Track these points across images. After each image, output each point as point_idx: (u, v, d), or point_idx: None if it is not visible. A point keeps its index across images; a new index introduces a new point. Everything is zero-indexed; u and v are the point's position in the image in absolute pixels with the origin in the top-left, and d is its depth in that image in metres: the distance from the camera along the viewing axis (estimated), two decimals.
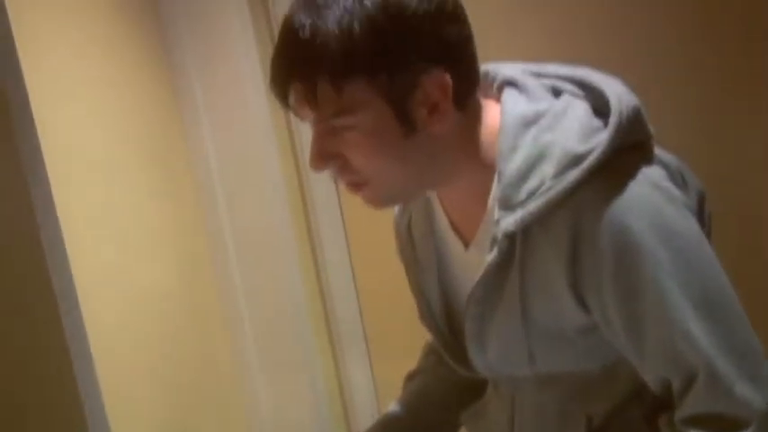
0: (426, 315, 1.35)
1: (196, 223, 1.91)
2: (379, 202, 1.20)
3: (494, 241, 1.13)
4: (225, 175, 1.92)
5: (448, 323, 1.33)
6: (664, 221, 1.06)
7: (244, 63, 1.90)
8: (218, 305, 1.94)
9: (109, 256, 1.47)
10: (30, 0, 1.29)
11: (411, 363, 1.55)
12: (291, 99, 1.12)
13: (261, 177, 1.92)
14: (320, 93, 1.08)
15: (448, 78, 1.09)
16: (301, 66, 1.09)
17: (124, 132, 1.60)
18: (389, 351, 2.06)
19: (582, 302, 1.10)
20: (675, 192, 1.10)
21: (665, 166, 1.13)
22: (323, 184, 2.02)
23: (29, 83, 1.11)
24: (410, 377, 1.52)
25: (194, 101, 1.91)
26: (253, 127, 1.91)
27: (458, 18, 1.12)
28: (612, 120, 1.08)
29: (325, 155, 1.14)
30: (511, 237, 1.11)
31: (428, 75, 1.08)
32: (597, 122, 1.11)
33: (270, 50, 1.91)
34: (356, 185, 1.17)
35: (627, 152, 1.09)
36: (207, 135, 1.91)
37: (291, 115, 1.95)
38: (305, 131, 2.01)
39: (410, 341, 1.56)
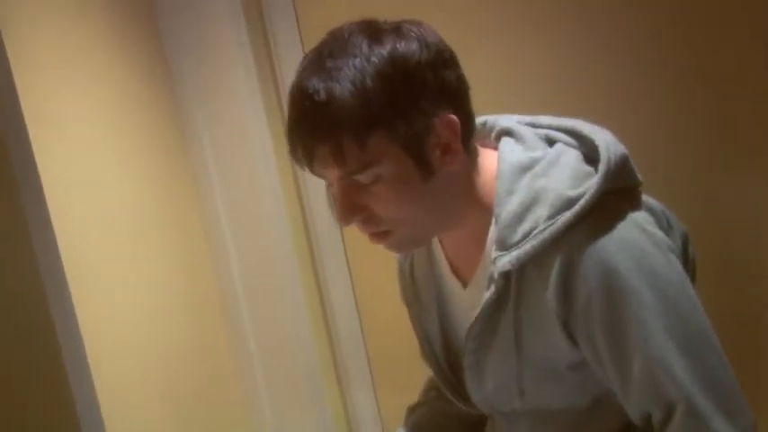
0: (427, 352, 1.41)
1: (204, 265, 1.93)
2: (403, 247, 1.27)
3: (491, 279, 1.19)
4: (232, 216, 1.95)
5: (447, 360, 1.39)
6: (649, 264, 1.12)
7: (250, 111, 1.94)
8: (227, 341, 1.97)
9: (116, 307, 1.44)
10: (32, 46, 1.28)
11: (415, 394, 1.59)
12: (316, 161, 1.15)
13: (266, 218, 1.95)
14: (346, 151, 1.12)
15: (455, 119, 1.17)
16: (325, 128, 1.12)
17: (132, 180, 1.60)
18: (394, 384, 2.10)
19: (572, 338, 1.16)
20: (660, 235, 1.16)
21: (651, 211, 1.21)
22: (326, 226, 2.06)
23: (31, 132, 1.10)
24: (411, 410, 1.56)
25: (202, 150, 1.94)
26: (258, 172, 1.95)
27: (455, 64, 1.20)
28: (602, 166, 1.15)
29: (352, 209, 1.18)
30: (506, 275, 1.18)
31: (439, 118, 1.15)
32: (588, 168, 1.18)
33: (274, 102, 1.97)
34: (381, 235, 1.21)
35: (615, 196, 1.16)
36: (215, 181, 1.95)
37: (300, 172, 2.00)
38: (310, 175, 2.06)
39: (414, 374, 1.59)
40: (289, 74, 2.00)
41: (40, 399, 1.09)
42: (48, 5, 1.39)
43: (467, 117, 1.20)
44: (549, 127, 1.27)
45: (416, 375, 1.58)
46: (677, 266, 1.15)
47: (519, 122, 1.28)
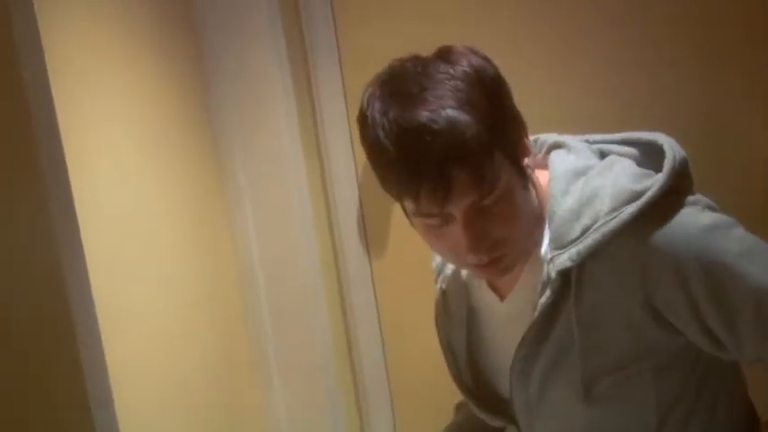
0: (450, 364, 1.40)
1: (229, 278, 1.93)
2: (510, 267, 1.21)
3: (546, 283, 1.18)
4: (261, 232, 1.96)
5: (472, 372, 1.37)
6: (725, 227, 1.15)
7: (284, 130, 1.95)
8: (248, 356, 1.96)
9: (142, 335, 1.42)
10: (71, 57, 1.27)
11: (433, 418, 1.59)
12: (455, 190, 1.09)
13: (295, 237, 1.96)
14: (484, 170, 1.09)
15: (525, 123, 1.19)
16: (460, 153, 1.08)
17: (162, 193, 1.59)
18: (414, 411, 2.10)
19: (659, 317, 1.15)
20: (727, 217, 1.18)
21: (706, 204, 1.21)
22: (354, 248, 2.07)
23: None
24: (457, 408, 1.55)
25: (235, 167, 1.95)
26: (289, 191, 1.96)
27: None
28: (668, 162, 1.17)
29: (483, 237, 1.14)
30: (565, 273, 1.16)
31: (521, 124, 1.18)
32: (646, 170, 1.19)
33: (309, 122, 1.98)
34: (496, 261, 1.17)
35: (675, 195, 1.16)
36: (246, 198, 1.96)
37: (328, 178, 2.02)
38: (339, 196, 2.07)
39: (435, 402, 1.61)
40: (327, 99, 2.04)
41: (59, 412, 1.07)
42: (88, 16, 1.40)
43: None
44: (603, 141, 1.28)
45: (438, 401, 1.58)
46: (741, 227, 1.17)
47: (573, 138, 1.29)
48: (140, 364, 1.36)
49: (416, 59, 1.16)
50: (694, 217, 1.14)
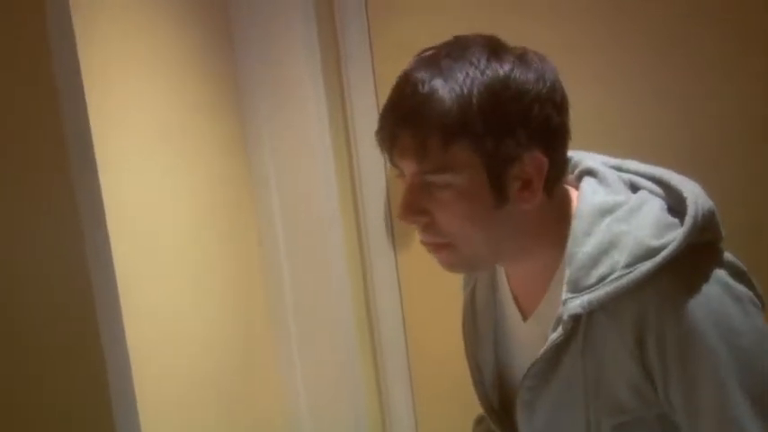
0: (477, 380, 1.39)
1: (255, 278, 1.92)
2: (457, 266, 1.24)
3: (558, 321, 1.17)
4: (288, 235, 1.95)
5: (498, 390, 1.36)
6: (728, 320, 1.10)
7: (314, 124, 1.93)
8: (272, 350, 1.97)
9: (166, 323, 1.42)
10: (103, 51, 1.27)
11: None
12: (397, 149, 1.16)
13: (322, 237, 1.95)
14: (429, 147, 1.12)
15: (545, 160, 1.14)
16: (415, 116, 1.12)
17: (188, 181, 1.59)
18: (437, 410, 2.09)
19: (650, 379, 1.13)
20: (742, 288, 1.13)
21: (735, 267, 1.16)
22: (381, 248, 2.06)
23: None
24: (477, 422, 1.53)
25: (263, 160, 1.94)
26: (318, 188, 1.95)
27: (563, 110, 1.18)
28: (688, 219, 1.12)
29: (415, 208, 1.17)
30: (576, 318, 1.15)
31: (529, 152, 1.13)
32: (672, 219, 1.15)
33: (339, 118, 1.97)
34: (437, 247, 1.20)
35: (697, 250, 1.13)
36: (274, 196, 1.94)
37: (356, 170, 2.00)
38: (366, 187, 2.05)
39: (457, 400, 1.60)
40: (357, 90, 2.01)
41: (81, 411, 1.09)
42: (119, 2, 1.39)
43: (557, 162, 1.18)
44: (636, 173, 1.24)
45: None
46: (757, 320, 1.12)
47: (604, 164, 1.25)
48: (162, 348, 1.37)
49: (479, 40, 1.17)
50: (703, 299, 1.10)
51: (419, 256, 1.32)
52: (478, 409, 1.44)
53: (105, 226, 1.11)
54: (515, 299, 1.31)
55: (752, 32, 1.83)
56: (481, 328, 1.38)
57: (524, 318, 1.29)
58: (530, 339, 1.26)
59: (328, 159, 1.95)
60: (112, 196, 1.16)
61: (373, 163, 2.04)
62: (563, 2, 1.92)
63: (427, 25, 1.93)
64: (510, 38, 1.19)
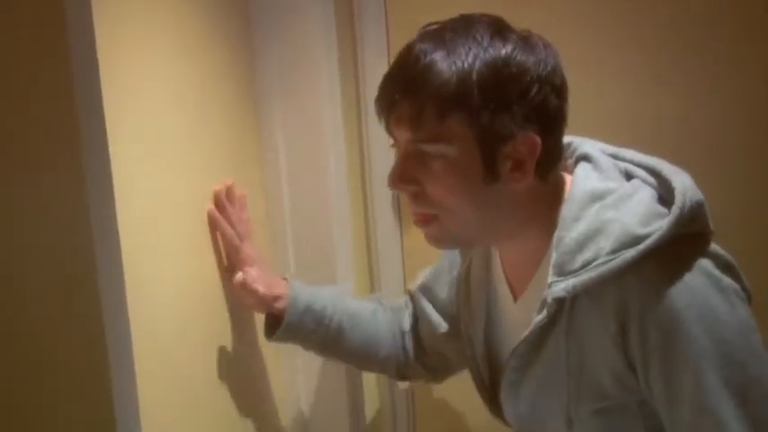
0: (469, 356, 1.42)
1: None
2: (442, 240, 1.27)
3: (543, 303, 1.19)
4: (295, 214, 1.93)
5: (488, 367, 1.40)
6: (711, 311, 1.11)
7: (327, 110, 1.91)
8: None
9: (169, 304, 1.37)
10: (121, 43, 1.24)
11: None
12: (393, 116, 1.19)
13: (329, 217, 1.92)
14: (424, 116, 1.15)
15: (539, 142, 1.17)
16: (414, 85, 1.16)
17: (200, 160, 1.55)
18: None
19: (633, 367, 1.16)
20: (727, 280, 1.15)
21: (723, 259, 1.18)
22: (387, 225, 2.07)
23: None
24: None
25: (275, 140, 1.92)
26: (326, 160, 1.92)
27: (562, 95, 1.20)
28: (675, 209, 1.15)
29: (406, 176, 1.21)
30: (560, 302, 1.18)
31: (524, 132, 1.16)
32: (661, 209, 1.17)
33: (353, 106, 1.97)
34: (425, 218, 1.23)
35: (683, 242, 1.15)
36: (283, 174, 1.92)
37: (366, 155, 1.99)
38: (376, 168, 2.05)
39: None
40: (371, 78, 2.01)
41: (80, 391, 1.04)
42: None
43: (552, 146, 1.20)
44: (631, 161, 1.27)
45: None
46: (741, 312, 1.13)
47: (602, 151, 1.27)
48: (165, 326, 1.36)
49: (485, 19, 1.20)
50: (686, 288, 1.11)
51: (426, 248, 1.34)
52: (477, 406, 1.47)
53: (114, 203, 1.08)
54: (507, 279, 1.34)
55: (753, 28, 1.84)
56: (474, 306, 1.41)
57: (515, 299, 1.32)
58: (519, 320, 1.29)
59: (339, 137, 1.95)
60: (120, 174, 1.14)
61: (383, 143, 2.02)
62: None
63: (443, 4, 1.92)
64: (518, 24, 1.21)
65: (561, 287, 1.16)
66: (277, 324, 1.54)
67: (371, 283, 2.10)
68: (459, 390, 1.60)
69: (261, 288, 1.52)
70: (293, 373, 1.90)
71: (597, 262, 1.14)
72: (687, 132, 1.88)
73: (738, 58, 1.86)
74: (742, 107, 1.87)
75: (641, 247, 1.12)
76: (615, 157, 1.29)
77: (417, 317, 1.61)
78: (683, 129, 1.89)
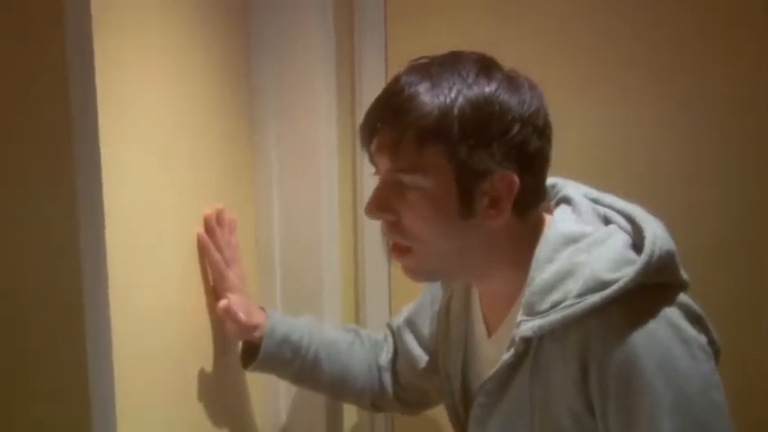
0: (447, 393, 1.43)
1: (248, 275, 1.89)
2: (419, 273, 1.28)
3: (512, 342, 1.20)
4: (285, 233, 1.93)
5: (463, 401, 1.40)
6: (671, 362, 1.11)
7: (322, 126, 1.91)
8: None
9: (152, 312, 1.37)
10: (119, 41, 1.23)
11: None
12: (374, 144, 1.21)
13: (318, 240, 1.93)
14: (403, 146, 1.17)
15: (517, 181, 1.18)
16: (396, 114, 1.18)
17: (190, 165, 1.55)
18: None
19: (591, 411, 1.16)
20: (692, 332, 1.14)
21: (692, 312, 1.18)
22: (375, 256, 2.05)
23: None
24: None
25: (268, 158, 1.92)
26: (320, 192, 1.93)
27: (544, 136, 1.22)
28: (643, 257, 1.15)
29: (383, 205, 1.23)
30: (527, 341, 1.19)
31: (502, 170, 1.17)
32: (632, 256, 1.17)
33: (348, 126, 1.98)
34: (401, 250, 1.25)
35: (653, 290, 1.15)
36: (274, 192, 1.93)
37: (358, 179, 1.98)
38: (368, 194, 2.02)
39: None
40: (368, 97, 1.98)
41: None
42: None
43: (531, 187, 1.21)
44: (611, 207, 1.28)
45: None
46: (704, 366, 1.12)
47: (584, 195, 1.29)
48: (146, 346, 1.34)
49: (473, 57, 1.22)
50: (648, 336, 1.11)
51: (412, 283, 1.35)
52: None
53: (102, 208, 1.10)
54: (484, 316, 1.35)
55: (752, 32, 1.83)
56: (453, 340, 1.41)
57: (489, 335, 1.33)
58: (491, 357, 1.29)
59: (332, 161, 1.95)
60: (111, 180, 1.16)
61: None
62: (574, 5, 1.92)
63: (443, 29, 1.94)
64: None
65: (528, 327, 1.17)
66: (254, 353, 1.55)
67: (356, 308, 2.08)
68: (439, 407, 1.60)
69: (242, 316, 1.52)
70: (275, 386, 1.90)
71: (564, 304, 1.15)
72: (680, 177, 1.87)
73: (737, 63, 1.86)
74: (738, 148, 1.87)
75: (607, 292, 1.13)
76: (596, 201, 1.30)
77: (397, 351, 1.62)
78: (677, 173, 1.89)
